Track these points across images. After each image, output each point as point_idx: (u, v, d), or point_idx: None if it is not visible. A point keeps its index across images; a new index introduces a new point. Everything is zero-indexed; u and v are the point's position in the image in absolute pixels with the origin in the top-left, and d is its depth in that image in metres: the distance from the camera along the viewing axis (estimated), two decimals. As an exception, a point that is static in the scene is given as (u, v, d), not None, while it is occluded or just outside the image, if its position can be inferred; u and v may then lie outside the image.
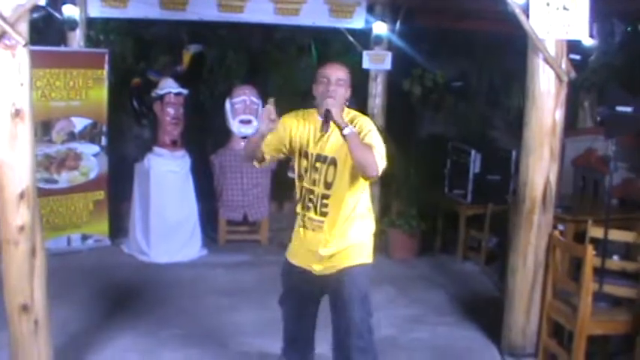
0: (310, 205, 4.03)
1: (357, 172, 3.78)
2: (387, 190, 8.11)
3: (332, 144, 3.94)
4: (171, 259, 7.43)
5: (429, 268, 7.64)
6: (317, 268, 4.08)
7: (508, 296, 5.40)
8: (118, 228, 8.08)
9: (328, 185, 3.96)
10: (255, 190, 8.22)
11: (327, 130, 3.82)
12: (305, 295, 4.23)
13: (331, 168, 3.94)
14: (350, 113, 3.99)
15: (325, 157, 3.95)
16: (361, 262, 4.05)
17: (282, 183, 7.97)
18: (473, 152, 7.79)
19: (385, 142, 3.88)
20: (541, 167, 5.13)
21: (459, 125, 9.81)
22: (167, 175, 7.58)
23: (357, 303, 4.00)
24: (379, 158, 3.73)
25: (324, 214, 4.00)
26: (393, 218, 7.94)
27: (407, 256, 7.86)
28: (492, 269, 7.45)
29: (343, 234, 4.01)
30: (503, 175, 7.83)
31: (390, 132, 8.40)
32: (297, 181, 4.12)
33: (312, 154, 3.99)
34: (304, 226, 4.08)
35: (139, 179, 7.72)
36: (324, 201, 3.98)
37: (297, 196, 4.14)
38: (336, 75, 3.88)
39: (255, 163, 4.12)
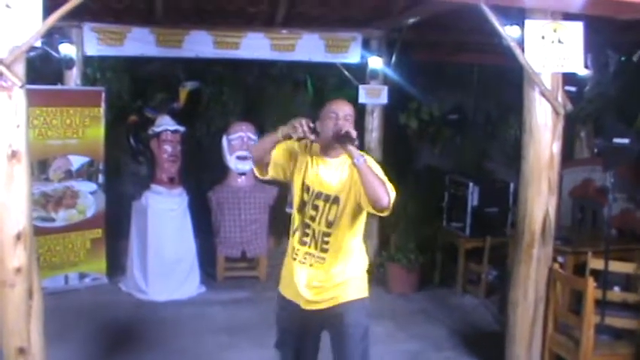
0: (308, 240, 3.99)
1: (368, 203, 3.70)
2: (385, 223, 8.07)
3: (336, 182, 3.91)
4: (169, 296, 7.37)
5: (428, 302, 7.59)
6: (313, 302, 4.00)
7: (509, 330, 5.36)
8: (116, 266, 8.01)
9: (330, 224, 3.93)
10: (253, 226, 8.19)
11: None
12: (303, 335, 4.15)
13: (334, 207, 3.91)
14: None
15: (328, 196, 3.92)
16: (359, 297, 4.01)
17: (280, 218, 7.94)
18: (471, 185, 7.77)
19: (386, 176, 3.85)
20: (540, 201, 5.12)
21: (457, 158, 9.83)
22: (165, 212, 7.55)
23: (358, 338, 3.96)
24: (389, 188, 3.70)
25: (325, 251, 3.96)
26: (392, 252, 7.91)
27: (406, 291, 7.81)
28: (492, 302, 7.41)
29: (343, 269, 3.97)
30: (501, 207, 7.82)
31: (388, 165, 8.27)
32: (294, 211, 4.07)
33: (313, 191, 3.95)
34: (301, 261, 4.01)
35: (137, 217, 7.69)
36: (326, 238, 3.94)
37: (293, 226, 4.08)
38: (344, 111, 3.87)
39: (257, 171, 4.07)
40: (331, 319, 3.99)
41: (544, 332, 5.21)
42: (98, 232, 7.79)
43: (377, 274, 7.92)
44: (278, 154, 3.97)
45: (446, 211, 8.24)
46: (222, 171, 8.30)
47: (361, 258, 4.08)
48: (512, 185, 7.56)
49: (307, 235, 3.98)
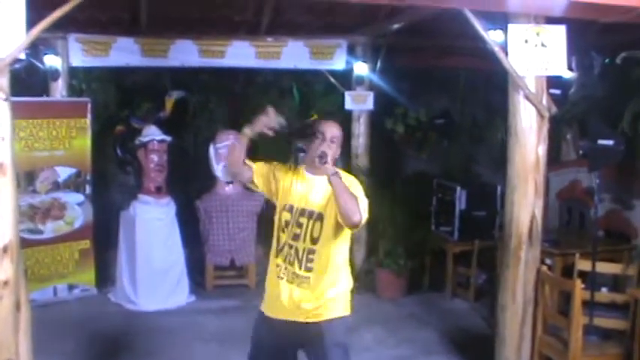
0: (293, 259, 3.95)
1: (341, 220, 3.73)
2: (374, 229, 8.04)
3: (319, 198, 3.92)
4: (159, 306, 7.36)
5: (417, 306, 7.60)
6: (298, 319, 3.97)
7: (498, 333, 5.37)
8: (105, 277, 7.98)
9: (314, 240, 3.92)
10: (241, 234, 8.19)
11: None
12: (279, 353, 4.08)
13: (317, 223, 3.91)
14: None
15: (312, 212, 3.92)
16: (341, 315, 3.99)
17: (268, 226, 7.88)
18: (458, 189, 7.82)
19: (367, 196, 3.86)
20: (526, 203, 5.14)
21: (444, 162, 9.85)
22: (153, 222, 7.56)
23: (338, 358, 3.93)
24: (362, 209, 3.70)
25: (309, 270, 3.93)
26: (381, 258, 7.90)
27: (395, 295, 7.81)
28: (482, 306, 7.44)
29: (328, 287, 3.95)
30: (489, 210, 7.86)
31: (375, 171, 8.46)
32: (276, 230, 4.04)
33: (296, 209, 3.95)
34: (287, 280, 3.97)
35: (125, 227, 7.68)
36: (310, 256, 3.92)
37: (275, 245, 4.04)
38: (332, 132, 3.89)
39: (249, 184, 4.08)
40: (311, 338, 3.95)
41: (533, 334, 5.21)
42: (86, 243, 7.76)
43: (365, 280, 7.97)
44: (260, 165, 4.01)
45: (434, 216, 8.28)
46: (209, 180, 8.30)
47: (345, 276, 4.05)
48: (499, 188, 7.58)
49: (291, 254, 3.96)
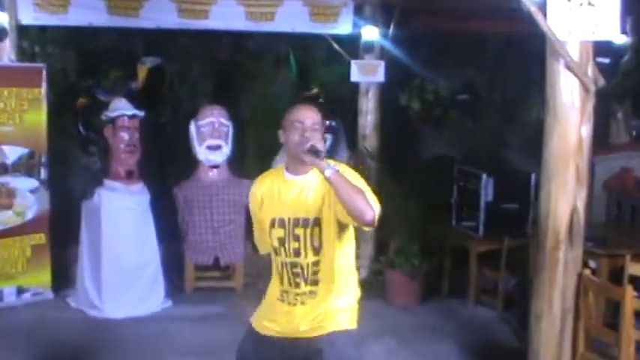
0: (298, 280, 3.98)
1: (350, 220, 3.73)
2: (383, 224, 7.93)
3: (310, 201, 3.91)
4: (128, 313, 7.35)
5: (435, 315, 7.62)
6: (293, 335, 4.01)
7: (532, 348, 5.35)
8: (63, 278, 7.96)
9: (317, 250, 3.93)
10: (227, 228, 8.22)
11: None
12: None
13: (316, 230, 3.90)
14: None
15: (306, 220, 3.91)
16: (345, 328, 3.99)
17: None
18: (484, 177, 7.79)
19: (377, 185, 3.87)
20: (566, 193, 5.10)
21: (467, 145, 9.82)
22: (122, 212, 7.55)
23: None
24: (371, 200, 3.69)
25: (315, 283, 3.96)
26: (391, 257, 7.93)
27: (409, 302, 7.83)
28: (511, 315, 7.42)
29: (335, 296, 3.98)
30: (521, 203, 7.82)
31: (385, 155, 8.48)
32: (272, 256, 4.06)
33: (288, 221, 3.94)
34: (290, 302, 4.01)
35: (88, 219, 7.65)
36: (315, 268, 3.95)
37: (276, 270, 4.06)
38: (311, 119, 3.88)
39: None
40: (310, 354, 3.95)
41: (573, 350, 5.20)
42: (41, 238, 7.75)
43: (374, 284, 7.99)
44: (259, 229, 4.12)
45: (455, 208, 8.26)
46: (190, 163, 8.33)
47: (354, 284, 4.09)
48: (533, 176, 7.52)
49: (297, 274, 3.98)
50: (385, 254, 8.08)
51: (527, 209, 7.75)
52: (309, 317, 3.95)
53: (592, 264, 5.97)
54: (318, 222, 3.89)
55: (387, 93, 8.78)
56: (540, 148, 5.22)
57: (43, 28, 7.97)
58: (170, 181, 8.45)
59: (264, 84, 9.28)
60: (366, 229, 3.83)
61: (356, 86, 8.59)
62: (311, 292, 3.96)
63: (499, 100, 10.00)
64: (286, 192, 3.95)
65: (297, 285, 3.97)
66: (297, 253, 3.95)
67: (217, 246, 8.19)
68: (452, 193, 8.29)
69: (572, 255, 5.15)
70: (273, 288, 4.09)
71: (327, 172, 3.63)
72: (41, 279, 7.77)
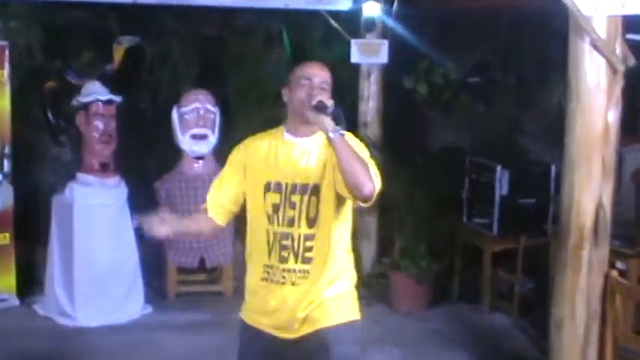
0: (287, 253, 3.93)
1: (346, 191, 3.69)
2: (387, 220, 8.12)
3: (312, 166, 3.88)
4: (103, 321, 7.35)
5: (444, 322, 7.63)
6: (292, 331, 3.97)
7: (553, 357, 5.36)
8: (30, 282, 7.99)
9: (312, 222, 3.89)
10: (215, 230, 8.09)
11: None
12: None
13: (313, 199, 3.87)
14: None
15: (305, 187, 3.88)
16: (349, 319, 3.98)
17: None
18: (498, 169, 7.75)
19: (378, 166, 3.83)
20: (590, 186, 5.11)
21: (480, 133, 9.78)
22: (96, 209, 7.53)
23: None
24: (373, 175, 3.67)
25: (308, 261, 3.91)
26: (396, 258, 7.93)
27: (415, 308, 7.85)
28: (529, 322, 7.43)
29: (332, 280, 3.95)
30: (539, 197, 7.81)
31: (389, 145, 8.48)
32: (255, 223, 4.01)
33: (286, 186, 3.91)
34: (276, 281, 3.95)
35: (59, 216, 7.65)
36: (308, 243, 3.90)
37: (258, 242, 4.01)
38: (321, 77, 3.86)
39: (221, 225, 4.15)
40: (314, 352, 3.92)
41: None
42: (4, 237, 7.76)
43: (377, 287, 8.02)
44: (215, 195, 4.09)
45: (466, 204, 8.24)
46: (172, 154, 8.35)
47: (350, 268, 4.07)
48: (554, 168, 7.53)
49: (286, 247, 3.93)
50: (389, 255, 8.09)
51: (547, 204, 7.72)
52: (305, 301, 3.91)
53: (619, 265, 5.96)
54: (317, 190, 3.87)
55: (390, 76, 8.76)
56: (562, 137, 5.20)
57: (4, 2, 7.98)
58: (150, 175, 8.44)
59: (254, 66, 9.25)
60: (363, 204, 3.76)
61: (356, 68, 8.57)
62: (302, 272, 3.91)
63: (515, 82, 9.93)
64: (285, 154, 3.92)
65: (285, 260, 3.92)
66: (290, 223, 3.91)
67: (203, 246, 8.18)
68: (463, 187, 8.26)
69: (598, 255, 5.15)
70: (255, 267, 4.04)
71: (332, 133, 3.61)
72: (5, 283, 7.78)
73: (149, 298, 7.83)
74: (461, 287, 8.18)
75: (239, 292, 7.77)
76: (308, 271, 3.90)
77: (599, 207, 5.09)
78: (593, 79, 4.97)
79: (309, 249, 3.90)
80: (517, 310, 7.62)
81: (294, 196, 3.89)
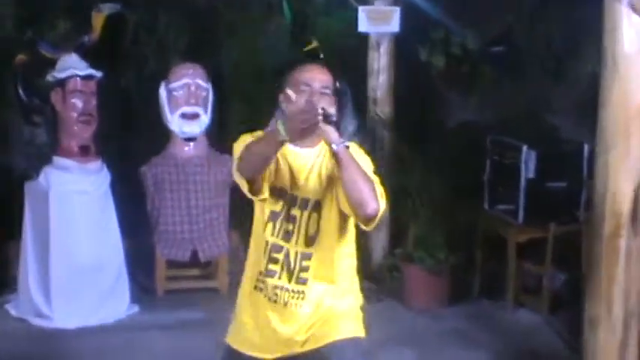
0: (277, 267, 3.95)
1: (349, 210, 3.72)
2: (400, 207, 8.04)
3: (314, 180, 3.90)
4: (84, 322, 7.33)
5: (464, 320, 7.65)
6: (289, 350, 4.00)
7: (587, 359, 5.36)
8: (1, 280, 7.98)
9: (310, 240, 3.91)
10: (208, 215, 8.23)
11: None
12: None
13: (314, 216, 3.89)
14: None
15: (306, 201, 3.89)
16: (354, 335, 3.98)
17: (246, 203, 7.85)
18: (524, 149, 7.73)
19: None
20: (627, 167, 5.11)
21: (503, 110, 9.70)
22: (75, 197, 7.51)
23: None
24: (378, 194, 3.68)
25: (303, 283, 3.93)
26: (410, 250, 7.95)
27: (432, 304, 7.87)
28: (560, 320, 7.43)
29: (332, 301, 3.98)
30: (571, 180, 7.80)
31: (402, 123, 8.51)
32: (258, 230, 4.01)
33: (286, 197, 3.93)
34: (271, 298, 3.98)
35: (33, 205, 7.62)
36: (305, 263, 3.92)
37: (257, 250, 4.03)
38: (321, 82, 3.85)
39: (247, 191, 3.94)
40: None
41: (640, 361, 5.24)
42: (-30, 230, 7.79)
43: (389, 282, 8.06)
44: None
45: (488, 189, 8.24)
46: (160, 136, 8.35)
47: (354, 289, 4.10)
48: (586, 147, 7.53)
49: (276, 261, 3.95)
50: (402, 245, 8.09)
51: (579, 188, 7.71)
52: (305, 325, 3.92)
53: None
54: (318, 206, 3.88)
55: (402, 47, 8.72)
56: (595, 111, 5.19)
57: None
58: (136, 159, 8.43)
59: (251, 36, 9.22)
60: (365, 227, 3.77)
61: (365, 39, 8.55)
62: (296, 293, 3.92)
63: (543, 51, 9.91)
64: (287, 164, 3.91)
65: (272, 274, 3.93)
66: (287, 237, 3.92)
67: (195, 237, 8.18)
68: (484, 170, 8.25)
69: (637, 244, 5.15)
70: (250, 274, 4.05)
71: (335, 145, 3.59)
72: (-28, 281, 7.83)
73: (135, 296, 7.82)
74: (482, 281, 8.17)
75: (235, 288, 7.78)
76: (303, 292, 3.92)
77: (637, 190, 5.08)
78: (632, 45, 4.93)
79: (306, 269, 3.91)
80: (546, 307, 7.61)
81: (294, 209, 3.91)
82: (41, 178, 7.53)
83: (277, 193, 3.91)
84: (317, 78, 3.85)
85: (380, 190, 3.70)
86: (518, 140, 7.91)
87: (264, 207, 3.94)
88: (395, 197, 8.01)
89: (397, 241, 8.23)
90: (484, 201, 8.22)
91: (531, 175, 7.70)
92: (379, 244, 8.32)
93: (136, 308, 7.72)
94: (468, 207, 8.11)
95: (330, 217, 3.87)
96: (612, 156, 5.08)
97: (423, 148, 8.17)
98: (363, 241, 4.19)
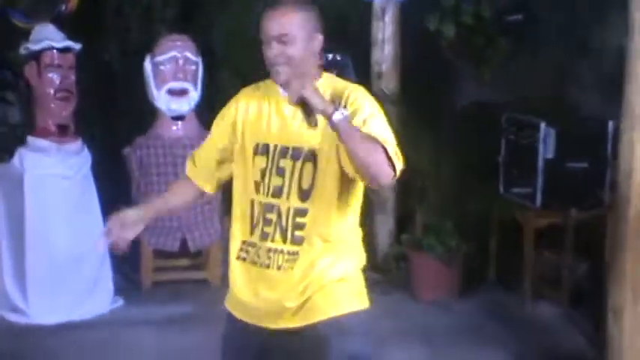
0: (270, 229, 3.88)
1: (356, 176, 3.65)
2: (407, 190, 8.11)
3: (307, 129, 3.79)
4: (64, 317, 7.35)
5: (478, 313, 7.70)
6: (282, 321, 3.92)
7: (611, 353, 5.46)
8: None
9: (305, 195, 3.82)
10: (197, 201, 8.08)
11: (315, 123, 3.64)
12: None
13: (308, 166, 3.79)
14: (331, 82, 3.88)
15: (298, 151, 3.80)
16: (354, 309, 3.91)
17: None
18: (543, 126, 7.72)
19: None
20: None
21: (520, 85, 9.67)
22: (52, 181, 7.51)
23: None
24: (392, 154, 3.58)
25: (298, 241, 3.84)
26: (419, 236, 7.97)
27: (442, 295, 7.91)
28: (581, 312, 7.44)
29: (330, 263, 3.88)
30: (593, 160, 7.76)
31: (409, 100, 8.49)
32: (241, 192, 3.96)
33: (275, 148, 3.86)
34: (260, 264, 3.90)
35: (6, 190, 7.65)
36: (299, 220, 3.83)
37: (242, 214, 3.97)
38: (277, 29, 3.71)
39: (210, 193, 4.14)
40: (311, 349, 3.87)
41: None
42: (-61, 219, 7.79)
43: (396, 272, 8.07)
44: (203, 157, 4.08)
45: (503, 170, 8.23)
46: (145, 114, 8.38)
47: (355, 247, 4.00)
48: (611, 125, 7.49)
49: (270, 221, 3.88)
50: (410, 232, 8.11)
51: (603, 169, 7.67)
52: (294, 290, 3.85)
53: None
54: (312, 156, 3.79)
55: (410, 15, 8.71)
56: (621, 86, 5.22)
57: None
58: (119, 139, 8.46)
59: (244, 5, 9.11)
60: (376, 187, 3.76)
61: (368, 6, 8.53)
62: (290, 254, 3.85)
63: (564, 22, 9.88)
64: (278, 112, 3.86)
65: (267, 237, 3.88)
66: (277, 193, 3.85)
67: (185, 225, 8.23)
68: (499, 150, 8.25)
69: None
70: (233, 244, 4.02)
71: (336, 116, 3.48)
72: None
73: (120, 289, 7.88)
74: (497, 271, 8.23)
75: (227, 279, 7.82)
76: (297, 253, 3.84)
77: (665, 169, 5.11)
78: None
79: (301, 226, 3.82)
80: (566, 299, 7.62)
81: (284, 160, 3.82)
82: (15, 160, 7.53)
83: (261, 149, 3.87)
84: (272, 26, 3.71)
85: (393, 147, 3.59)
86: (535, 117, 7.88)
87: (252, 168, 3.89)
88: (402, 180, 8.02)
89: (404, 228, 8.24)
90: (499, 184, 8.20)
91: (550, 155, 7.69)
92: (385, 230, 8.32)
93: (120, 302, 7.74)
94: (481, 190, 8.11)
95: (327, 169, 3.78)
96: (636, 134, 5.13)
97: (432, 127, 8.18)
98: (367, 225, 4.11)
